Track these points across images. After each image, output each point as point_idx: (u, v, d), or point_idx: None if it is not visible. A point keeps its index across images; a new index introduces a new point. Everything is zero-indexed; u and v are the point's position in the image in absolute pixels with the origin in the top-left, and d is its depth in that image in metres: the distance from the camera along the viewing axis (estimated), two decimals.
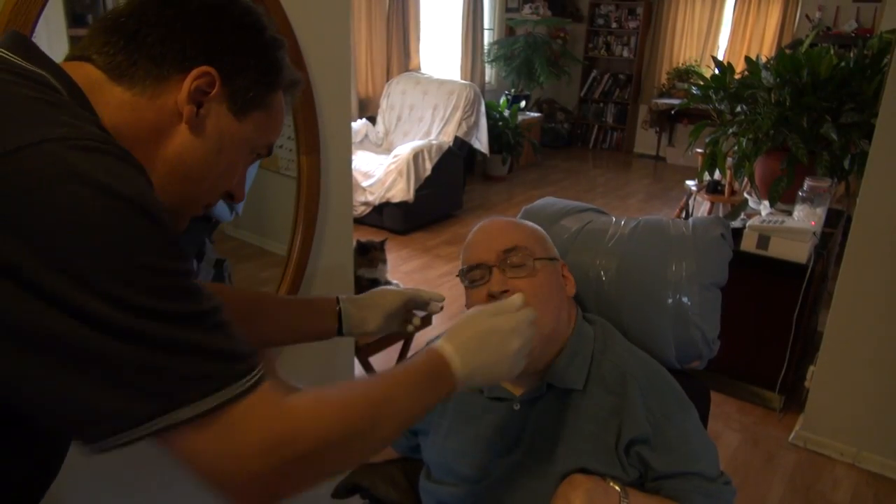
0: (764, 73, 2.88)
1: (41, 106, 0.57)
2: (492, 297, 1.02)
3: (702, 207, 4.77)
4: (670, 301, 1.16)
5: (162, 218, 0.57)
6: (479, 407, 1.10)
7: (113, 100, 0.66)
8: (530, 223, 1.17)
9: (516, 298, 0.87)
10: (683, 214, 4.86)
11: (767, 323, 2.68)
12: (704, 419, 1.21)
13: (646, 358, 1.11)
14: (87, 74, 0.66)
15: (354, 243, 2.41)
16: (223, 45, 0.69)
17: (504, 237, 1.08)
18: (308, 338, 1.10)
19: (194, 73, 0.67)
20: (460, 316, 0.84)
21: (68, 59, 0.68)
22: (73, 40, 1.32)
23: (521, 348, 0.83)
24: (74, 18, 1.33)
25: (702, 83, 3.20)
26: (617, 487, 0.96)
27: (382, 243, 2.41)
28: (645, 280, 1.18)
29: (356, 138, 5.12)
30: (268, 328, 1.04)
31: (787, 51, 3.00)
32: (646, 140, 7.75)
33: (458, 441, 1.09)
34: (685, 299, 1.16)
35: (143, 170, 0.59)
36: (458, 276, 1.12)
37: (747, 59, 3.03)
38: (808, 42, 3.27)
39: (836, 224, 2.95)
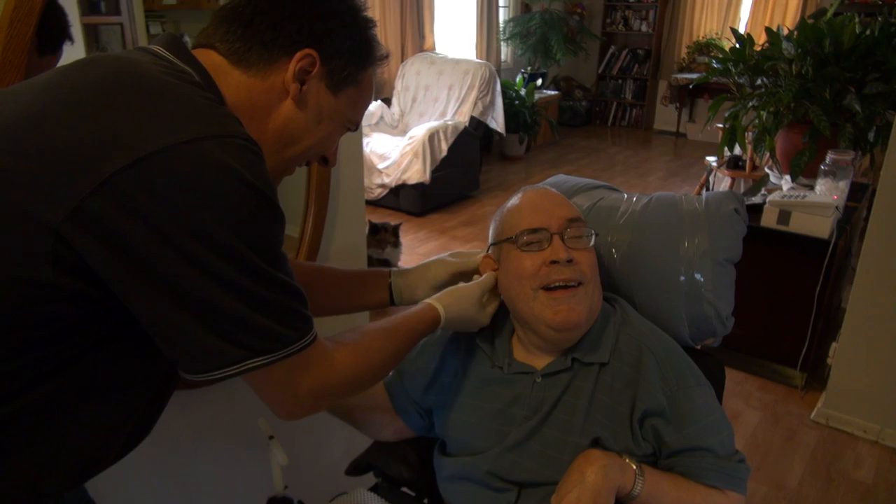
0: (785, 45, 2.81)
1: (198, 105, 0.70)
2: (555, 263, 1.02)
3: (723, 184, 4.69)
4: (683, 278, 1.15)
5: (276, 202, 0.71)
6: (499, 382, 1.10)
7: (233, 82, 0.78)
8: None
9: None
10: (704, 191, 4.78)
11: (789, 300, 2.64)
12: (719, 396, 1.20)
13: (662, 333, 1.10)
14: (213, 62, 0.78)
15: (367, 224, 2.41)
16: (324, 29, 0.80)
17: (566, 207, 1.09)
18: (361, 309, 1.23)
19: (298, 55, 0.78)
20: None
21: (195, 46, 0.81)
22: (87, 28, 1.33)
23: (482, 295, 1.07)
24: (88, 7, 1.33)
25: (720, 56, 3.13)
26: (633, 465, 0.96)
27: (397, 227, 2.41)
28: (657, 257, 1.17)
29: (371, 120, 5.10)
30: (324, 300, 1.15)
31: (810, 20, 2.91)
32: (666, 116, 7.63)
33: (475, 416, 1.10)
34: (698, 276, 1.14)
35: (264, 159, 0.72)
36: (500, 241, 1.10)
37: (768, 29, 2.95)
38: (832, 11, 3.18)
39: (861, 198, 2.88)
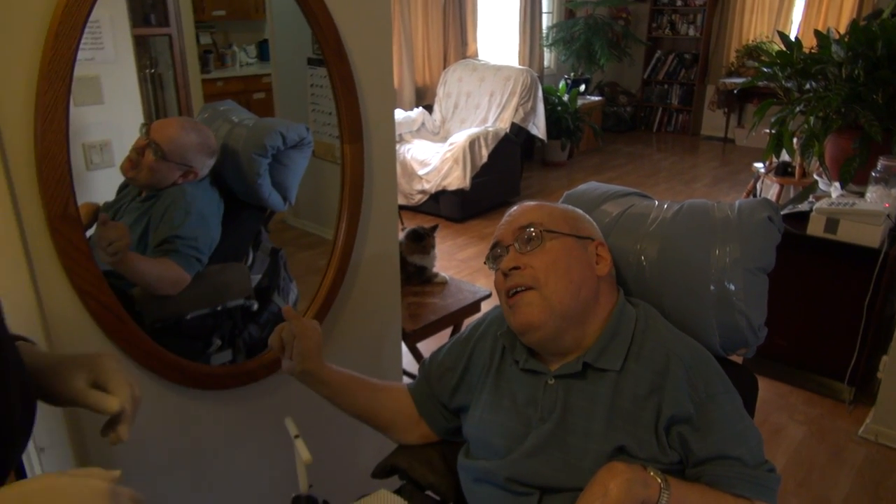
0: (834, 48, 2.72)
1: None
2: (504, 275, 1.07)
3: (771, 190, 4.56)
4: (713, 287, 1.12)
5: None
6: (516, 380, 1.11)
7: None
8: (562, 205, 1.17)
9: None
10: (751, 199, 4.66)
11: (837, 311, 2.55)
12: (752, 407, 1.18)
13: (690, 340, 1.09)
14: None
15: (405, 231, 2.43)
16: None
17: (522, 216, 1.11)
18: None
19: None
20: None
21: None
22: (137, 40, 1.39)
23: None
24: (139, 18, 1.39)
25: (767, 60, 3.05)
26: (658, 479, 0.94)
27: (434, 229, 2.43)
28: (687, 265, 1.15)
29: (413, 127, 5.15)
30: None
31: (862, 22, 2.81)
32: (713, 122, 7.46)
33: (494, 413, 1.11)
34: (730, 285, 1.12)
35: None
36: (485, 263, 1.15)
37: (817, 32, 2.87)
38: (888, 11, 3.07)
39: None
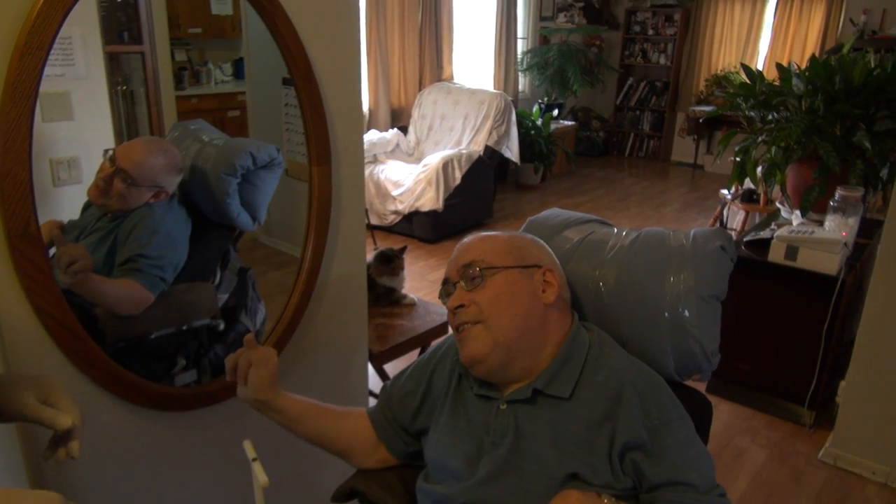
0: (795, 81, 2.82)
1: None
2: (452, 312, 1.10)
3: (737, 217, 4.68)
4: (668, 314, 1.15)
5: None
6: (471, 404, 1.13)
7: None
8: (510, 234, 1.18)
9: None
10: (718, 224, 4.77)
11: (797, 336, 2.61)
12: (706, 432, 1.20)
13: (644, 366, 1.11)
14: None
15: (374, 253, 2.44)
16: None
17: (467, 253, 1.13)
18: None
19: None
20: None
21: None
22: (110, 57, 1.39)
23: None
24: (112, 35, 1.39)
25: (731, 91, 3.14)
26: None
27: (402, 250, 2.44)
28: (643, 292, 1.18)
29: (388, 147, 5.17)
30: None
31: (824, 56, 2.92)
32: (683, 148, 7.63)
33: (451, 436, 1.12)
34: (684, 312, 1.15)
35: None
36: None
37: (778, 66, 2.97)
38: (848, 46, 3.19)
39: (874, 235, 2.86)
